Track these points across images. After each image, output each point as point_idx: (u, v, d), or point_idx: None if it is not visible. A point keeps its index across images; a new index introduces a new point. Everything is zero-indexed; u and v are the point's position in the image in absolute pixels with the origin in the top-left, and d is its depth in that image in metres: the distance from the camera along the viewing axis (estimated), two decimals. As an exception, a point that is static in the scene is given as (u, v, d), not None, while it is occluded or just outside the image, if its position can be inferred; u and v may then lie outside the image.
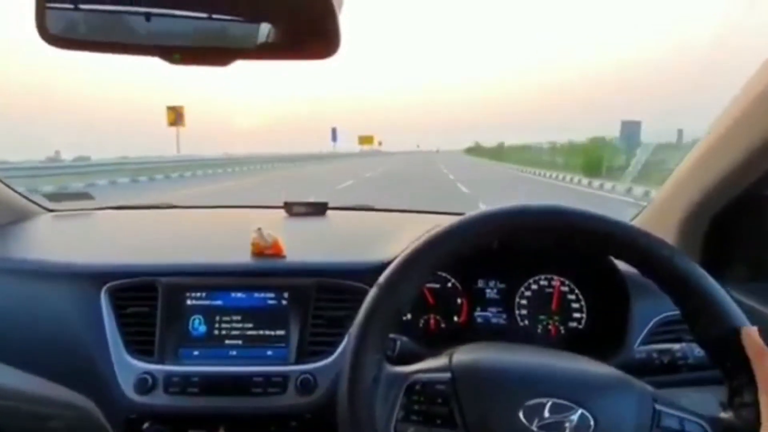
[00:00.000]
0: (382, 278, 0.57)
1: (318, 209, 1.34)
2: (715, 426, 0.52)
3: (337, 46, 0.58)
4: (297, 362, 0.85)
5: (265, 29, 0.59)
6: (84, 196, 1.54)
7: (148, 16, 0.55)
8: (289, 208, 1.33)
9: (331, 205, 1.38)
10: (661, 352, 0.69)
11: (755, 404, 0.49)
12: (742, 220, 0.88)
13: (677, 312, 0.55)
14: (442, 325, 0.97)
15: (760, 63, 0.71)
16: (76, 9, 0.56)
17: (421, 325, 0.97)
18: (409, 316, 0.97)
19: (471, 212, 0.58)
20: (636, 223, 0.87)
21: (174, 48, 0.57)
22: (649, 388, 0.56)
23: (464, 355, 0.59)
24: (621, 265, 0.89)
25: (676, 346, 0.69)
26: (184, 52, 0.58)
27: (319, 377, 0.83)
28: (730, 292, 0.54)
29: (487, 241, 0.57)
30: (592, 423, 0.52)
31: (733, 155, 0.77)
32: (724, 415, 0.53)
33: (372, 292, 0.56)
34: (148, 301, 0.88)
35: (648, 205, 1.05)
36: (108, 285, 0.89)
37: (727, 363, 0.52)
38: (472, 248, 0.57)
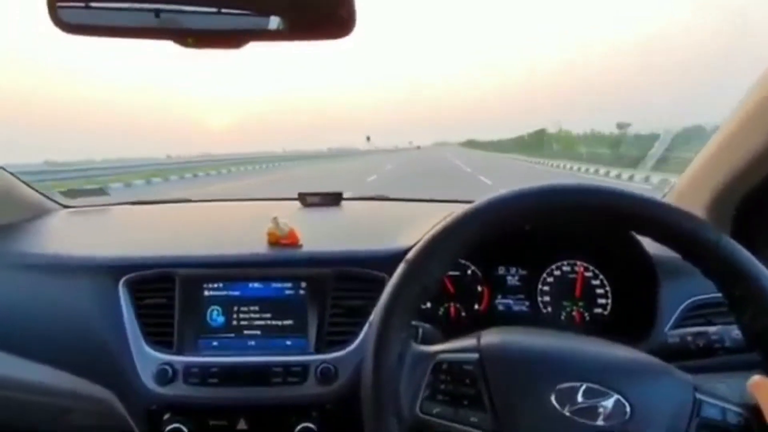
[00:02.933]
0: (410, 254, 0.55)
1: (332, 200, 1.33)
2: (758, 415, 0.49)
3: (352, 24, 0.56)
4: (317, 352, 0.84)
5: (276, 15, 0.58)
6: (98, 192, 1.54)
7: (157, 12, 0.54)
8: (304, 199, 1.32)
9: (345, 195, 1.37)
10: (696, 335, 0.66)
11: None
12: None
13: (708, 295, 0.53)
14: (463, 314, 0.95)
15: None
16: (87, 7, 0.55)
17: (441, 313, 0.95)
18: (428, 304, 0.95)
19: (501, 191, 0.56)
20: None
21: (187, 31, 0.56)
22: (689, 377, 0.54)
23: (493, 336, 0.58)
24: (648, 246, 0.86)
25: (711, 329, 0.66)
26: (197, 36, 0.56)
27: (339, 367, 0.82)
28: None
29: (518, 221, 0.55)
30: (627, 410, 0.50)
31: (764, 133, 0.74)
32: None
33: (399, 269, 0.55)
34: (165, 292, 0.87)
35: (674, 186, 1.01)
36: (126, 277, 0.88)
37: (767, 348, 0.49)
38: (503, 228, 0.55)
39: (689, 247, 0.53)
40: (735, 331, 0.64)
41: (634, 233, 0.84)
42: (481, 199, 0.55)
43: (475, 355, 0.55)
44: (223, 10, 0.56)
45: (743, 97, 0.79)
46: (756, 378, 0.50)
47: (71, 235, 1.20)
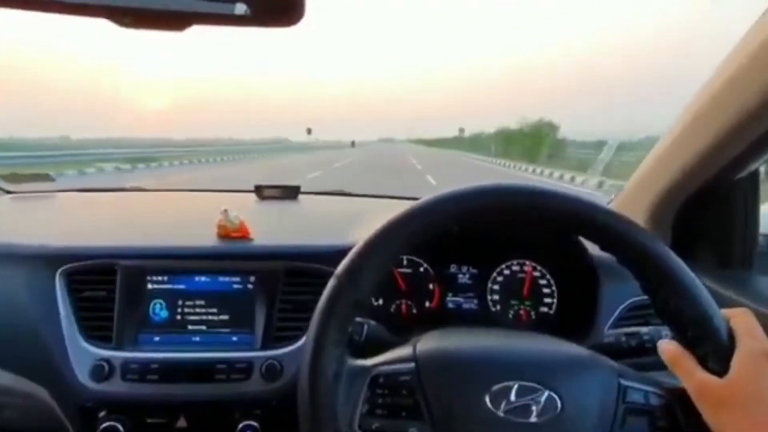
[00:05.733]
0: (338, 269, 0.54)
1: (290, 193, 1.31)
2: (679, 396, 0.52)
3: (301, 12, 0.55)
4: (263, 348, 0.82)
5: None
6: (44, 177, 1.47)
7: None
8: (260, 191, 1.30)
9: (303, 189, 1.35)
10: (629, 335, 0.68)
11: (717, 373, 0.48)
12: (710, 206, 0.89)
13: (647, 297, 0.55)
14: (414, 311, 0.96)
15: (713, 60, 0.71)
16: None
17: (392, 310, 0.95)
18: (380, 301, 0.95)
19: (428, 196, 0.56)
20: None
21: (124, 9, 0.53)
22: (615, 364, 0.56)
23: (428, 342, 0.58)
24: (592, 250, 0.88)
25: (644, 329, 0.69)
26: (135, 15, 0.53)
27: (285, 363, 0.80)
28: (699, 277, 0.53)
29: (447, 225, 0.55)
30: (559, 404, 0.51)
31: (702, 142, 0.77)
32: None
33: (330, 284, 0.54)
34: (106, 284, 0.83)
35: (619, 193, 1.05)
36: (63, 267, 0.84)
37: (689, 334, 0.51)
38: (432, 233, 0.55)
39: (603, 237, 0.55)
40: (665, 332, 0.66)
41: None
42: (409, 206, 0.55)
43: (411, 365, 0.54)
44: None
45: (684, 106, 0.82)
46: (664, 342, 0.53)
47: (11, 221, 1.14)
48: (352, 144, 70.26)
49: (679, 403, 0.52)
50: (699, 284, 0.51)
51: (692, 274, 0.51)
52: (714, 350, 0.49)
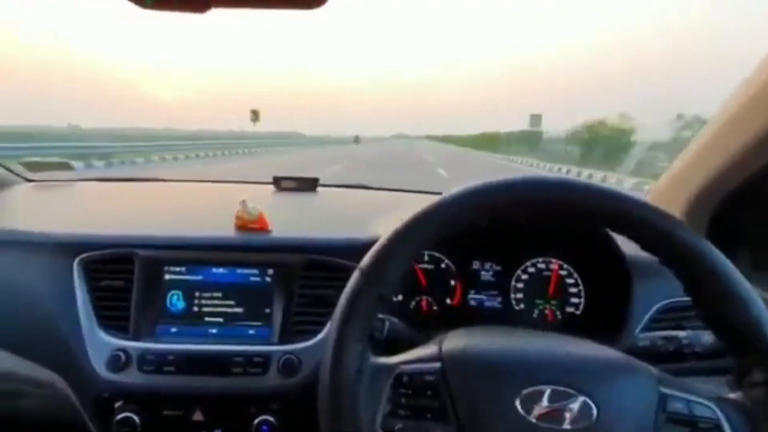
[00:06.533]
0: (363, 262, 0.52)
1: (308, 185, 1.29)
2: (725, 407, 0.49)
3: None
4: (280, 342, 0.80)
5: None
6: (64, 165, 1.48)
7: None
8: (278, 183, 1.28)
9: (322, 182, 1.33)
10: (666, 339, 0.65)
11: (766, 383, 0.46)
12: (750, 205, 0.84)
13: (681, 298, 0.52)
14: (434, 308, 0.93)
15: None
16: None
17: (412, 306, 0.93)
18: (400, 297, 0.93)
19: (453, 190, 0.54)
20: None
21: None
22: (654, 370, 0.53)
23: (455, 341, 0.55)
24: (624, 247, 0.85)
25: (682, 333, 0.65)
26: (157, -4, 0.52)
27: (303, 358, 0.79)
28: None
29: (473, 220, 0.53)
30: (594, 411, 0.48)
31: (743, 138, 0.73)
32: (732, 395, 0.50)
33: (353, 278, 0.52)
34: (124, 274, 0.83)
35: (652, 187, 1.00)
36: (81, 256, 0.83)
37: (736, 340, 0.49)
38: (460, 227, 0.53)
39: (644, 235, 0.52)
40: (705, 336, 0.63)
41: (609, 232, 0.83)
42: (437, 199, 0.53)
43: (437, 365, 0.52)
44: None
45: (723, 102, 0.77)
46: None
47: (30, 210, 1.15)
48: (356, 140, 60.21)
49: (725, 414, 0.48)
50: (751, 289, 0.48)
51: (744, 278, 0.48)
52: (762, 359, 0.46)
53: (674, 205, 0.87)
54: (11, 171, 1.32)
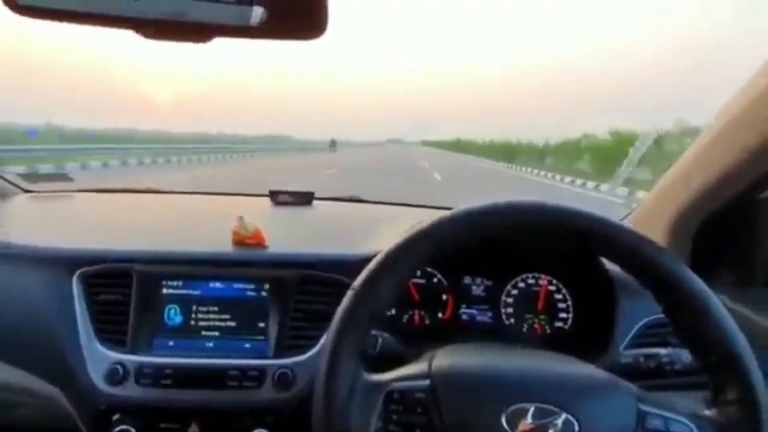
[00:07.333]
0: (356, 282, 0.54)
1: (304, 199, 1.31)
2: (700, 424, 0.51)
3: (324, 26, 0.55)
4: (275, 356, 0.82)
5: (249, 6, 0.56)
6: (62, 177, 1.49)
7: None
8: (274, 196, 1.30)
9: (318, 195, 1.35)
10: (647, 356, 0.67)
11: (739, 401, 0.48)
12: (732, 224, 0.87)
13: (663, 316, 0.54)
14: (427, 321, 0.95)
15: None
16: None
17: (405, 320, 0.95)
18: (393, 311, 0.95)
19: (448, 212, 0.56)
20: (626, 223, 0.86)
21: (149, 21, 0.53)
22: (634, 388, 0.55)
23: (444, 359, 0.57)
24: (610, 266, 0.87)
25: (663, 351, 0.68)
26: (159, 26, 0.54)
27: (298, 372, 0.80)
28: (718, 296, 0.52)
29: (465, 242, 0.55)
30: (576, 428, 0.50)
31: (726, 158, 0.76)
32: (708, 412, 0.52)
33: (347, 297, 0.54)
34: (121, 288, 0.84)
35: (638, 207, 1.03)
36: (80, 271, 0.85)
37: (711, 359, 0.51)
38: (451, 248, 0.55)
39: (626, 258, 0.54)
40: (685, 354, 0.65)
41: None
42: (429, 221, 0.55)
43: (426, 382, 0.54)
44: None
45: (707, 124, 0.80)
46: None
47: (28, 222, 1.16)
48: (332, 145, 44.88)
49: (700, 430, 0.51)
50: (723, 310, 0.50)
51: (717, 299, 0.51)
52: (735, 377, 0.48)
53: (658, 226, 0.90)
54: (8, 181, 1.32)
